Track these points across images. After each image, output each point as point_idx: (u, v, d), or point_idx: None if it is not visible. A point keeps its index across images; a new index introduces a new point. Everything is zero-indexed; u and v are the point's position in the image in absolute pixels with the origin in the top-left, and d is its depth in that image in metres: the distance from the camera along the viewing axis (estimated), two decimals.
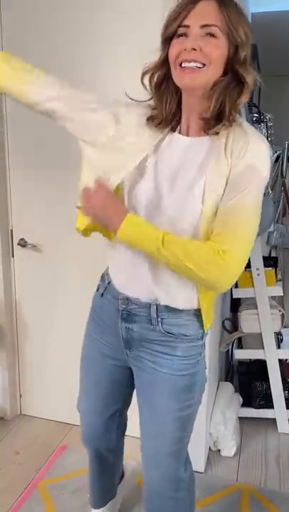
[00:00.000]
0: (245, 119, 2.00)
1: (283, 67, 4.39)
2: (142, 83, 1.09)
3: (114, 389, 1.33)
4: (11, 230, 2.23)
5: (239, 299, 2.40)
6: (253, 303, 2.24)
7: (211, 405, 2.12)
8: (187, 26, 0.98)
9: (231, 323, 2.46)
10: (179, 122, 1.12)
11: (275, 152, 2.87)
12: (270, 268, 2.24)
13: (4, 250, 2.23)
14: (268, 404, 2.31)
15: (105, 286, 1.25)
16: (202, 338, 1.19)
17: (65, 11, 1.89)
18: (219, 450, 2.13)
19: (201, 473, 1.99)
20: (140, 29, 1.79)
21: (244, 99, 1.05)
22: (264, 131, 2.40)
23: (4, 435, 2.24)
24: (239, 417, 2.28)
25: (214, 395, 2.22)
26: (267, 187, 2.19)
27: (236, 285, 2.29)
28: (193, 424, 1.29)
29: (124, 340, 1.20)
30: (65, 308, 2.18)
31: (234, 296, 2.31)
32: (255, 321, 2.23)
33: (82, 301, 1.85)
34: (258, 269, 2.17)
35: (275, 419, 2.31)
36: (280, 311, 2.25)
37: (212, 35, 0.98)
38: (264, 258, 2.20)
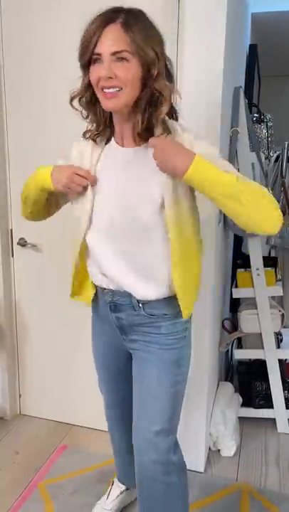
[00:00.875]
0: (245, 119, 2.00)
1: (283, 67, 4.39)
2: (72, 106, 1.21)
3: (122, 371, 1.45)
4: (11, 230, 2.23)
5: (239, 299, 2.40)
6: (252, 303, 2.25)
7: (211, 405, 2.13)
8: (99, 54, 1.07)
9: (231, 323, 2.46)
10: (112, 134, 1.25)
11: (275, 152, 2.87)
12: (270, 268, 2.24)
13: (4, 250, 2.23)
14: (268, 404, 2.32)
15: (96, 288, 1.39)
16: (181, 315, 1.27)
17: (63, 11, 1.89)
18: (219, 450, 2.13)
19: (201, 473, 1.99)
20: None
21: (164, 110, 1.12)
22: (264, 131, 2.41)
23: (4, 435, 2.24)
24: (239, 417, 2.28)
25: (214, 395, 2.22)
26: (267, 187, 2.19)
27: (236, 285, 2.29)
28: (181, 410, 1.36)
29: (118, 327, 1.34)
30: (64, 308, 2.18)
31: (234, 296, 2.31)
32: (254, 321, 2.23)
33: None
34: (257, 269, 2.17)
35: (274, 419, 2.31)
36: (279, 311, 2.25)
37: (123, 58, 1.06)
38: (264, 258, 2.19)
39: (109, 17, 1.06)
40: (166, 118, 1.17)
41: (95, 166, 1.25)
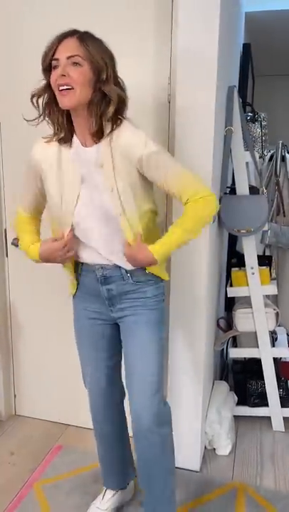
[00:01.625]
0: (239, 119, 2.01)
1: (277, 66, 4.40)
2: (32, 102, 1.37)
3: (109, 343, 1.58)
4: (5, 230, 2.22)
5: (234, 298, 2.41)
6: (247, 301, 2.25)
7: (206, 404, 2.13)
8: (57, 59, 1.26)
9: (226, 321, 2.47)
10: (72, 137, 1.40)
11: (269, 151, 2.88)
12: (264, 267, 2.24)
13: None
14: (263, 402, 2.32)
15: (81, 267, 1.52)
16: (162, 280, 1.52)
17: (58, 9, 1.88)
18: (214, 449, 2.14)
19: (197, 471, 1.99)
20: (134, 25, 1.79)
21: (111, 110, 1.31)
22: (258, 130, 2.41)
23: None
24: (234, 416, 2.29)
25: (209, 394, 2.23)
26: (261, 186, 2.20)
27: (231, 284, 2.30)
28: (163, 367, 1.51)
29: (108, 299, 1.49)
30: (59, 308, 2.18)
31: (229, 295, 2.31)
32: (249, 320, 2.24)
33: None
34: (252, 268, 2.18)
35: (269, 417, 2.32)
36: (274, 309, 2.26)
37: (77, 63, 1.25)
38: (258, 257, 2.20)
39: (67, 33, 1.27)
40: (120, 117, 1.35)
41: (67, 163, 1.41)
